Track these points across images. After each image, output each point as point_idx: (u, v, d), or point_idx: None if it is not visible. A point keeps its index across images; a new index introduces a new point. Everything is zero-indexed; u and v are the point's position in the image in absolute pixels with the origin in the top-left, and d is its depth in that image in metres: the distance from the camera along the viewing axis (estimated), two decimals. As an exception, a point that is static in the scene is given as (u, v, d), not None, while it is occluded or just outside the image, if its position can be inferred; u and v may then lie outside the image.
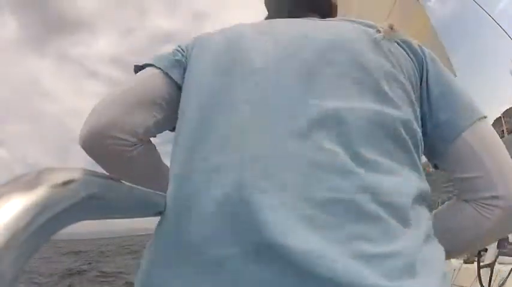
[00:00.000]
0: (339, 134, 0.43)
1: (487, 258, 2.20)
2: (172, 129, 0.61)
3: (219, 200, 0.40)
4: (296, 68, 0.49)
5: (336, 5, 0.72)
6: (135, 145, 0.55)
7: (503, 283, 2.10)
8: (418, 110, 0.51)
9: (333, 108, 0.44)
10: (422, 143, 0.50)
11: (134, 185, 0.36)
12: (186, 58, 0.58)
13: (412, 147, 0.47)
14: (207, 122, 0.48)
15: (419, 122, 0.51)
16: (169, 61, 0.58)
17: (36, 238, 0.19)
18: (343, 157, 0.41)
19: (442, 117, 0.52)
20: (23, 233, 0.18)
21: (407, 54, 0.54)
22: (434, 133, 0.53)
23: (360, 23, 0.57)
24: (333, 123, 0.44)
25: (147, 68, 0.59)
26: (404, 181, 0.44)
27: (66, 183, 0.22)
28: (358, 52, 0.50)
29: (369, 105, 0.46)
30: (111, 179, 0.31)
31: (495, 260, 2.06)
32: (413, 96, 0.51)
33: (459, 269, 2.56)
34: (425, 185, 0.47)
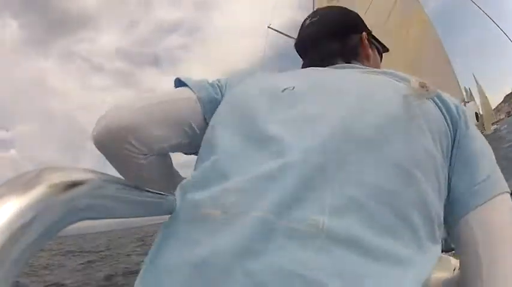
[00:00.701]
0: (330, 206, 0.39)
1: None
2: (186, 153, 0.62)
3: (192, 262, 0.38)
4: (316, 128, 0.46)
5: (372, 55, 0.73)
6: (146, 154, 0.55)
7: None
8: (443, 178, 0.48)
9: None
10: (440, 215, 0.46)
11: (134, 185, 0.36)
12: (222, 96, 0.59)
13: (426, 223, 0.43)
14: (217, 168, 0.47)
15: (443, 189, 0.48)
16: (208, 95, 0.58)
17: (37, 237, 0.19)
18: (325, 231, 0.37)
19: (458, 189, 0.49)
20: (23, 233, 0.18)
21: (443, 114, 0.50)
22: (447, 206, 0.49)
23: (393, 76, 0.55)
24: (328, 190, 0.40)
25: (185, 88, 0.59)
26: (400, 275, 0.38)
27: (66, 183, 0.22)
28: (388, 119, 0.47)
29: (383, 182, 0.42)
30: (111, 178, 0.31)
31: None
32: (440, 168, 0.47)
33: (459, 269, 2.56)
34: (432, 264, 0.42)
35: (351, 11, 0.79)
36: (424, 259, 0.41)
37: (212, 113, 0.57)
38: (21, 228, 0.18)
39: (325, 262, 0.35)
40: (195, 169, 0.51)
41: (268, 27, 6.22)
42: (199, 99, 0.57)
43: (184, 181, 0.50)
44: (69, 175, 0.23)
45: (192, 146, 0.59)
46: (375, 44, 0.76)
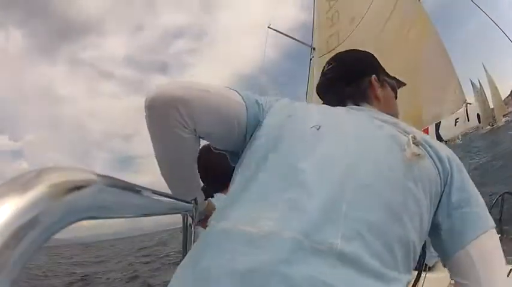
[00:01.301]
0: (343, 230, 0.48)
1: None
2: (215, 148, 0.71)
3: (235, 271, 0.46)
4: (334, 170, 0.55)
5: (382, 95, 0.81)
6: (187, 128, 0.61)
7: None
8: (427, 220, 0.58)
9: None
10: (416, 251, 0.56)
11: (134, 185, 0.36)
12: (262, 116, 0.66)
13: (404, 255, 0.53)
14: (249, 190, 0.55)
15: (425, 229, 0.58)
16: (254, 109, 0.65)
17: (37, 237, 0.19)
18: (337, 252, 0.46)
19: (455, 226, 0.59)
20: (23, 233, 0.18)
21: (435, 165, 0.60)
22: (445, 239, 0.60)
23: (398, 127, 0.64)
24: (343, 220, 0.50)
25: (235, 92, 0.65)
26: None
27: (66, 183, 0.22)
28: (388, 169, 0.56)
29: (377, 220, 0.51)
30: (112, 179, 0.31)
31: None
32: (425, 213, 0.57)
33: None
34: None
35: (366, 53, 0.88)
36: (400, 282, 0.51)
37: (252, 128, 0.65)
38: (21, 228, 0.18)
39: (337, 275, 0.45)
40: (232, 183, 0.60)
41: (269, 27, 6.21)
42: (247, 108, 0.64)
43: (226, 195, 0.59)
44: (69, 175, 0.23)
45: (225, 143, 0.68)
46: (388, 81, 0.84)
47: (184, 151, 0.66)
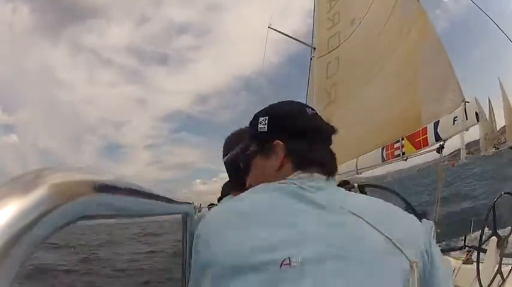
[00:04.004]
0: None
1: (487, 257, 2.21)
2: None
3: None
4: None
5: None
6: None
7: (502, 283, 2.11)
8: None
9: None
10: None
11: (134, 186, 0.36)
12: None
13: None
14: None
15: None
16: None
17: (36, 237, 0.19)
18: None
19: None
20: (23, 233, 0.18)
21: None
22: None
23: None
24: None
25: None
26: None
27: (66, 183, 0.22)
28: None
29: None
30: (111, 178, 0.31)
31: (500, 262, 2.07)
32: None
33: (459, 270, 2.57)
34: None
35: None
36: None
37: None
38: (21, 228, 0.18)
39: None
40: None
41: (269, 27, 6.20)
42: None
43: None
44: (69, 176, 0.23)
45: None
46: None
47: None
